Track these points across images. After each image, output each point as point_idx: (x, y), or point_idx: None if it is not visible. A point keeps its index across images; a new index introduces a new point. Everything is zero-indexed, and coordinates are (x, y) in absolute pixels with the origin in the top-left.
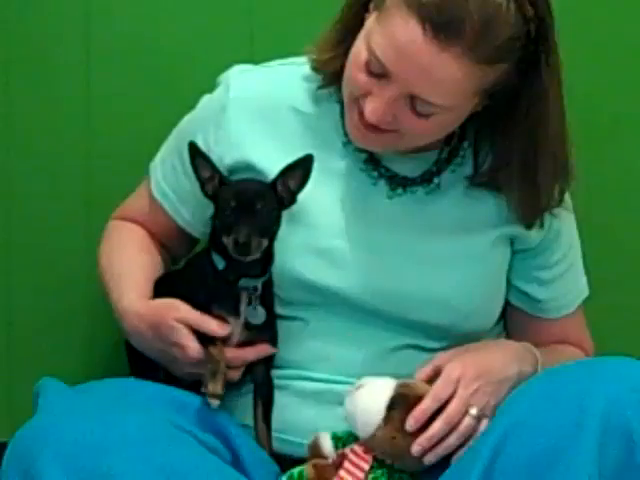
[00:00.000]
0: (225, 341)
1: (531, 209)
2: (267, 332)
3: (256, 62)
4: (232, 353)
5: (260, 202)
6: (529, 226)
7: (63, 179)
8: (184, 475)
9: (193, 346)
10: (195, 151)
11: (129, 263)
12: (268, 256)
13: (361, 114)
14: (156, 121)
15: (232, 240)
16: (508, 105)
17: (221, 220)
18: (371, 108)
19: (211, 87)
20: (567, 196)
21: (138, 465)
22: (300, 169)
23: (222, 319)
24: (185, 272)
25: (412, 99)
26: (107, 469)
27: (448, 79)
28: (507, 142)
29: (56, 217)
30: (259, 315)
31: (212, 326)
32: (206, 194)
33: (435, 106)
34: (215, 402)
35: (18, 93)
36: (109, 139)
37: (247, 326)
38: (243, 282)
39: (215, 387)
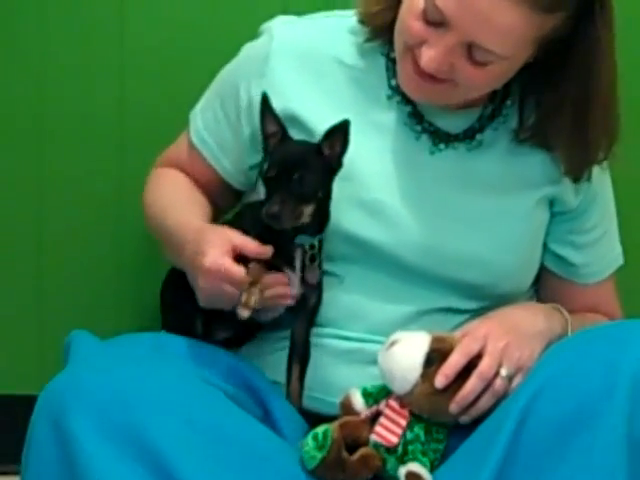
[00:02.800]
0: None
1: (580, 162)
2: (315, 292)
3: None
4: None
5: (299, 172)
6: (576, 179)
7: (96, 124)
8: (215, 430)
9: (212, 253)
10: (265, 104)
11: (185, 197)
12: (324, 215)
13: (415, 64)
14: (191, 71)
15: (265, 208)
16: (560, 56)
17: (265, 182)
18: (428, 57)
19: (247, 40)
20: (605, 163)
21: (168, 419)
22: (339, 133)
23: (279, 270)
24: (240, 222)
25: (470, 47)
26: (137, 422)
27: (507, 27)
28: (558, 94)
29: (88, 163)
30: (314, 274)
31: (252, 246)
32: (265, 149)
33: (493, 54)
34: (244, 312)
35: (53, 45)
36: (141, 86)
37: (303, 281)
38: (299, 239)
39: (249, 298)
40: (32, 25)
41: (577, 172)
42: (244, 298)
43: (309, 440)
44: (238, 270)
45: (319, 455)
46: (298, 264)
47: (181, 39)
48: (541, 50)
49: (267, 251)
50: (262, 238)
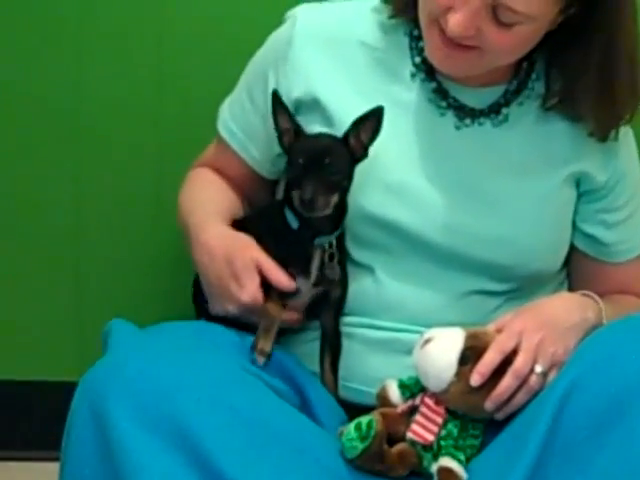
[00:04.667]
0: (290, 297)
1: (607, 121)
2: (339, 286)
3: None
4: (289, 315)
5: (329, 157)
6: (604, 139)
7: (136, 125)
8: (255, 419)
9: (250, 288)
10: (276, 100)
11: (209, 198)
12: (341, 210)
13: (442, 34)
14: (229, 73)
15: (298, 196)
16: (583, 20)
17: (290, 174)
18: (454, 20)
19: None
20: (632, 138)
21: (207, 407)
22: (371, 120)
23: (292, 277)
24: (254, 225)
25: (495, 9)
26: (177, 411)
27: None
28: (582, 59)
29: (127, 160)
30: (334, 271)
31: (282, 279)
32: (282, 145)
33: (518, 14)
34: (261, 359)
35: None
36: (180, 86)
37: (318, 282)
38: (318, 240)
39: (265, 344)
40: (71, 14)
41: (605, 131)
42: (260, 345)
43: (352, 430)
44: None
45: (361, 445)
46: (315, 266)
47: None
48: (564, 14)
49: (291, 286)
50: (279, 242)
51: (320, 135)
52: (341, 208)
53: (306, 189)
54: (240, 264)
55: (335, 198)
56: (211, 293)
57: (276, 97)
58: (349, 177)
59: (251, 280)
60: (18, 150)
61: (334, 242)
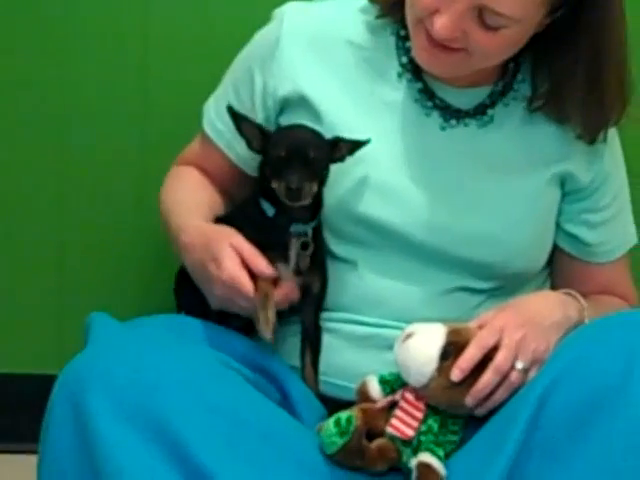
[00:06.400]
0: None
1: (595, 123)
2: (317, 277)
3: None
4: (282, 291)
5: (313, 148)
6: (592, 141)
7: (120, 119)
8: (234, 413)
9: (229, 266)
10: (233, 114)
11: (191, 197)
12: (318, 201)
13: (428, 35)
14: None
15: (284, 186)
16: (570, 22)
17: (272, 166)
18: (440, 24)
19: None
20: (618, 140)
21: (187, 402)
22: (357, 145)
23: (272, 265)
24: (233, 219)
25: (480, 11)
26: (156, 405)
27: None
28: (569, 61)
29: (111, 156)
30: (305, 260)
31: (260, 265)
32: (254, 150)
33: (503, 17)
34: (267, 334)
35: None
36: (164, 81)
37: (297, 272)
38: (294, 228)
39: (266, 318)
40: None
41: (592, 134)
42: (262, 319)
43: (331, 425)
44: (252, 288)
45: (340, 441)
46: (293, 253)
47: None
48: (551, 16)
49: (271, 273)
50: (256, 233)
51: (298, 126)
52: (318, 199)
53: (292, 179)
54: (219, 247)
55: (315, 188)
56: (202, 287)
57: (232, 111)
58: (327, 169)
59: (229, 259)
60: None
61: (309, 232)
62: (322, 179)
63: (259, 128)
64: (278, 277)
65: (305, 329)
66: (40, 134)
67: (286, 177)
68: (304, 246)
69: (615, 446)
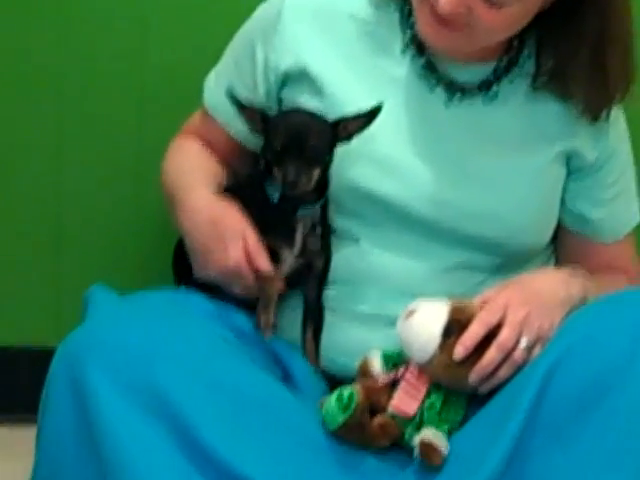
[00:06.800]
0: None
1: (599, 101)
2: (321, 253)
3: None
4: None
5: (310, 138)
6: (595, 119)
7: (117, 84)
8: (235, 388)
9: (235, 253)
10: (233, 100)
11: (196, 167)
12: (323, 183)
13: (432, 11)
14: (214, 39)
15: (281, 175)
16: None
17: (271, 153)
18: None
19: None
20: (623, 118)
21: (186, 377)
22: (365, 117)
23: (275, 250)
24: (239, 195)
25: None
26: (156, 379)
27: None
28: (574, 38)
29: (108, 123)
30: (316, 242)
31: (262, 263)
32: (257, 133)
33: None
34: (268, 333)
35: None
36: (164, 50)
37: (302, 253)
38: (301, 212)
39: (267, 319)
40: None
41: (596, 111)
42: (264, 320)
43: (333, 401)
44: (252, 281)
45: (342, 417)
46: (299, 236)
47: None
48: None
49: (270, 271)
50: (263, 212)
51: (298, 112)
52: (323, 181)
53: (289, 170)
54: (226, 229)
55: (317, 173)
56: (195, 258)
57: (231, 97)
58: (330, 153)
59: (237, 248)
60: None
61: (317, 212)
62: (326, 162)
63: (260, 113)
64: (279, 259)
65: (307, 304)
66: (37, 109)
67: (284, 167)
68: (313, 227)
69: (620, 425)
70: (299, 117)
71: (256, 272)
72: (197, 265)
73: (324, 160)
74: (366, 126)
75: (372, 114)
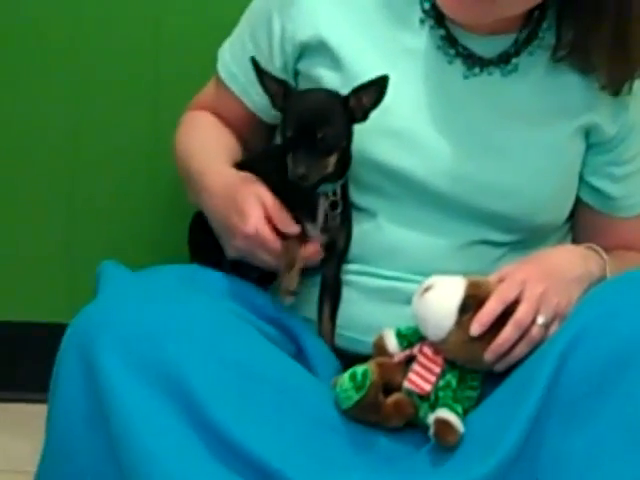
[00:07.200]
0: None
1: (621, 75)
2: (343, 232)
3: None
4: (308, 250)
5: (325, 125)
6: (616, 93)
7: (133, 61)
8: (246, 366)
9: (253, 218)
10: (257, 67)
11: (211, 142)
12: (344, 162)
13: None
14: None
15: (292, 165)
16: None
17: (284, 138)
18: None
19: None
20: None
21: (198, 354)
22: (374, 88)
23: (299, 224)
24: (259, 168)
25: None
26: (166, 356)
27: None
28: (597, 7)
29: (124, 99)
30: (336, 220)
31: (285, 221)
32: (276, 107)
33: None
34: (288, 299)
35: None
36: (178, 25)
37: (324, 229)
38: (322, 188)
39: (289, 282)
40: None
41: (617, 85)
42: (285, 284)
43: (346, 380)
44: (278, 245)
45: (356, 396)
46: (321, 212)
47: None
48: None
49: (296, 230)
50: (283, 187)
51: (314, 96)
52: (343, 161)
53: (299, 162)
54: (243, 197)
55: (333, 159)
56: (220, 235)
57: (256, 64)
58: (348, 136)
59: (254, 210)
60: (9, 87)
61: (338, 190)
62: (344, 146)
63: (284, 85)
64: (303, 234)
65: (325, 282)
66: (52, 87)
67: (295, 158)
68: (333, 205)
69: (638, 403)
70: (314, 100)
71: (279, 234)
72: (225, 243)
73: (340, 146)
74: (379, 100)
75: (381, 84)
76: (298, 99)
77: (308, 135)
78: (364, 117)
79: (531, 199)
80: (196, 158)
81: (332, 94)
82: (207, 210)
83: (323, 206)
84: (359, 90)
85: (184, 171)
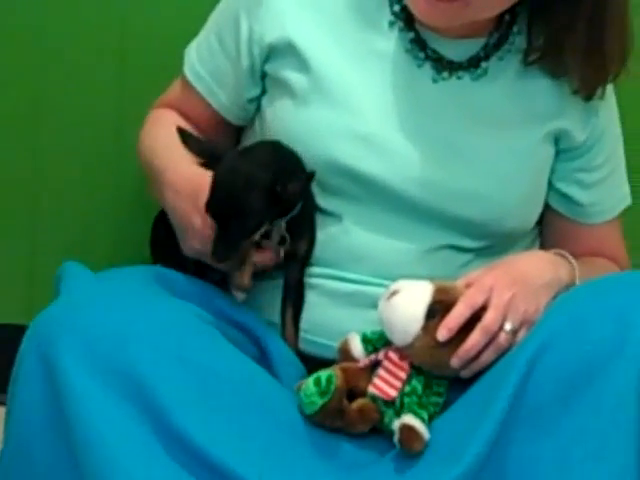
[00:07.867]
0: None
1: (595, 79)
2: (305, 239)
3: None
4: (262, 255)
5: (238, 214)
6: (589, 97)
7: (98, 60)
8: (208, 368)
9: (202, 213)
10: (181, 133)
11: (174, 141)
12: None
13: None
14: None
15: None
16: None
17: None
18: None
19: None
20: (614, 99)
21: (160, 356)
22: (299, 183)
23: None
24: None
25: None
26: (127, 358)
27: None
28: (572, 11)
29: (88, 97)
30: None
31: None
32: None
33: None
34: (240, 295)
35: None
36: (143, 24)
37: (281, 242)
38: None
39: (241, 278)
40: None
41: (590, 89)
42: (238, 280)
43: (310, 384)
44: None
45: (320, 401)
46: (275, 236)
47: None
48: None
49: None
50: None
51: (236, 176)
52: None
53: (215, 251)
54: (204, 196)
55: (255, 236)
56: (179, 232)
57: (180, 132)
58: (275, 214)
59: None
60: None
61: (283, 225)
62: (278, 216)
63: (207, 156)
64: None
65: (288, 285)
66: (15, 81)
67: (212, 243)
68: (281, 240)
69: (606, 411)
70: (232, 185)
71: None
72: (181, 240)
73: (258, 230)
74: (301, 195)
75: (306, 179)
76: (220, 176)
77: (224, 220)
78: (290, 204)
79: (499, 204)
80: (160, 155)
81: (258, 174)
82: (168, 207)
83: (275, 236)
84: (286, 178)
85: (148, 168)
